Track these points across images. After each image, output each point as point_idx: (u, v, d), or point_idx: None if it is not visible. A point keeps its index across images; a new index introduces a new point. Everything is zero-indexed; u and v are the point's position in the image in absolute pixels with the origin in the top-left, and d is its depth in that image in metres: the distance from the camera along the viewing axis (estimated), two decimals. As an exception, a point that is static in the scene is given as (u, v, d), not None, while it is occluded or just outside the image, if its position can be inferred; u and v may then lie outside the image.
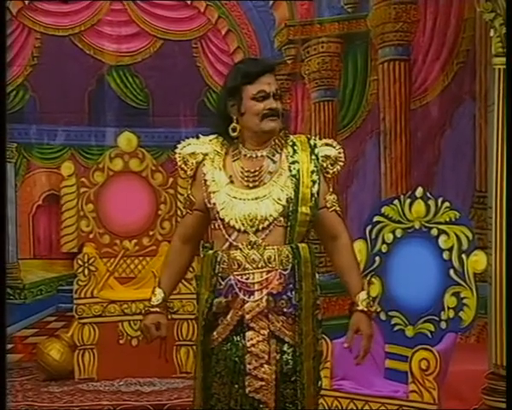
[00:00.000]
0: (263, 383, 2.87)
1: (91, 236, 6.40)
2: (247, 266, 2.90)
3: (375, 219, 4.61)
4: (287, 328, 2.90)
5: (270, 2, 6.88)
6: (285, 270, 2.91)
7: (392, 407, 4.13)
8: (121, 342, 6.14)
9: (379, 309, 4.55)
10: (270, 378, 2.88)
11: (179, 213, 6.42)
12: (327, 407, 4.22)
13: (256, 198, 2.92)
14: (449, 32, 6.13)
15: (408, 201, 4.53)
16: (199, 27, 7.00)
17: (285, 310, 2.90)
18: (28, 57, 6.81)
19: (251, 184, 2.95)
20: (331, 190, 3.04)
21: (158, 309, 3.08)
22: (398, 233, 4.54)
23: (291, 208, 2.91)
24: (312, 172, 2.97)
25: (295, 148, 3.00)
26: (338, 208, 3.03)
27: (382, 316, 4.53)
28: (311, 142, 3.03)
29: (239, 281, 2.91)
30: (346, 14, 6.61)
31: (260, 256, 2.89)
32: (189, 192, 3.07)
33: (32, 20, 6.81)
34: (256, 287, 2.90)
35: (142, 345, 6.10)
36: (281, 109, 2.98)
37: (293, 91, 6.82)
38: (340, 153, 3.04)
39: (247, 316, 2.89)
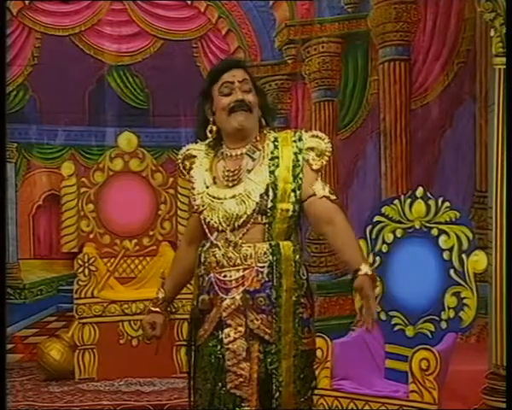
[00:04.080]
0: (242, 379, 2.87)
1: (91, 236, 6.41)
2: (225, 263, 2.92)
3: (376, 218, 4.61)
4: (266, 326, 2.89)
5: (271, 2, 6.88)
6: (262, 267, 2.90)
7: (393, 407, 4.13)
8: (121, 342, 6.14)
9: (379, 309, 4.56)
10: (248, 376, 2.87)
11: (179, 213, 6.43)
12: (327, 407, 4.22)
13: (233, 196, 2.93)
14: (449, 32, 6.13)
15: (408, 201, 4.53)
16: (199, 27, 7.00)
17: (263, 308, 2.88)
18: (28, 57, 6.81)
19: (230, 184, 2.96)
20: (319, 179, 2.99)
21: (157, 309, 3.11)
22: (399, 233, 4.54)
23: (269, 205, 2.90)
24: (294, 166, 2.95)
25: (276, 143, 2.98)
26: (329, 195, 2.97)
27: (382, 316, 4.53)
28: (297, 135, 3.00)
29: (218, 279, 2.93)
30: (347, 14, 6.61)
31: (237, 254, 2.90)
32: (191, 195, 3.10)
33: (32, 20, 6.81)
34: (233, 284, 2.91)
35: (142, 345, 6.11)
36: (253, 101, 2.97)
37: (293, 91, 6.82)
38: (327, 146, 3.00)
39: (224, 314, 2.90)
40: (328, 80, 6.68)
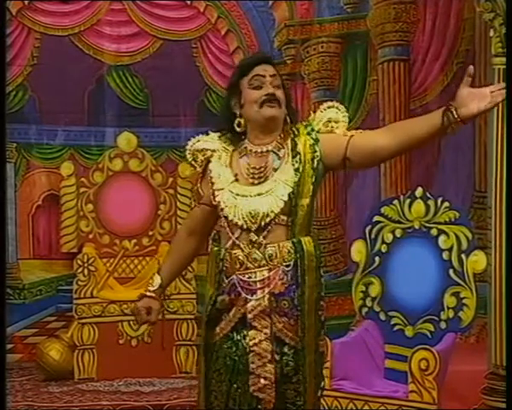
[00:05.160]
0: (266, 382, 2.86)
1: (91, 236, 6.40)
2: (249, 265, 2.88)
3: (375, 219, 4.61)
4: (288, 329, 2.88)
5: (270, 2, 6.88)
6: (287, 266, 2.87)
7: (392, 407, 4.13)
8: (121, 342, 6.14)
9: (378, 309, 4.56)
10: (273, 378, 2.86)
11: (179, 213, 6.43)
12: (327, 407, 4.22)
13: (259, 194, 2.89)
14: (448, 32, 6.13)
15: (407, 201, 4.53)
16: (198, 27, 7.00)
17: (286, 311, 2.87)
18: (28, 57, 6.81)
19: (256, 181, 2.92)
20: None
21: (152, 294, 3.10)
22: (398, 233, 4.55)
23: (293, 204, 2.88)
24: (313, 158, 2.93)
25: (296, 140, 2.96)
26: (360, 131, 2.95)
27: (382, 316, 4.53)
28: (308, 128, 2.99)
29: (241, 280, 2.89)
30: (346, 14, 6.60)
31: (262, 255, 2.87)
32: (199, 186, 3.06)
33: (31, 20, 6.81)
34: (258, 285, 2.88)
35: (141, 345, 6.12)
36: (282, 98, 2.94)
37: (292, 91, 6.81)
38: (343, 115, 2.99)
39: (249, 315, 2.87)
40: (328, 80, 6.68)
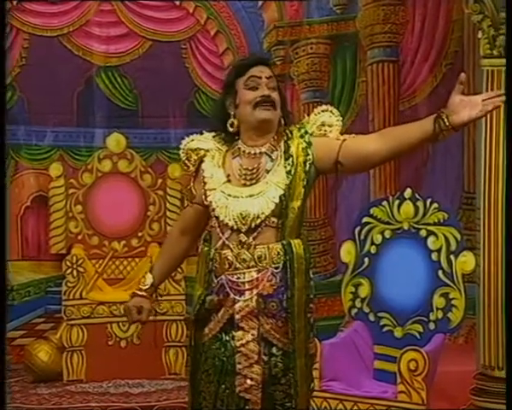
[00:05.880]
0: (253, 383, 2.86)
1: (80, 237, 6.39)
2: (238, 265, 2.88)
3: (364, 220, 4.62)
4: (276, 330, 2.88)
5: (260, 3, 6.88)
6: (276, 268, 2.87)
7: (381, 407, 4.14)
8: (110, 343, 6.13)
9: (367, 310, 4.57)
10: (259, 379, 2.87)
11: (168, 214, 6.43)
12: (316, 408, 4.22)
13: (250, 196, 2.89)
14: (437, 34, 6.15)
15: (396, 202, 4.54)
16: (188, 28, 6.99)
17: (274, 312, 2.87)
18: (16, 58, 6.78)
19: (248, 183, 2.93)
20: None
21: (144, 293, 3.10)
22: (387, 234, 4.55)
23: (283, 206, 2.88)
24: (305, 162, 2.93)
25: (289, 142, 2.96)
26: (353, 135, 2.95)
27: (371, 317, 4.54)
28: (302, 130, 2.98)
29: (230, 280, 2.89)
30: (335, 15, 6.61)
31: (251, 256, 2.87)
32: (191, 185, 3.06)
33: (20, 21, 6.78)
34: (246, 286, 2.88)
35: (130, 346, 6.10)
36: (277, 100, 2.94)
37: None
38: (337, 119, 2.99)
39: (237, 316, 2.87)
40: (317, 81, 6.69)
